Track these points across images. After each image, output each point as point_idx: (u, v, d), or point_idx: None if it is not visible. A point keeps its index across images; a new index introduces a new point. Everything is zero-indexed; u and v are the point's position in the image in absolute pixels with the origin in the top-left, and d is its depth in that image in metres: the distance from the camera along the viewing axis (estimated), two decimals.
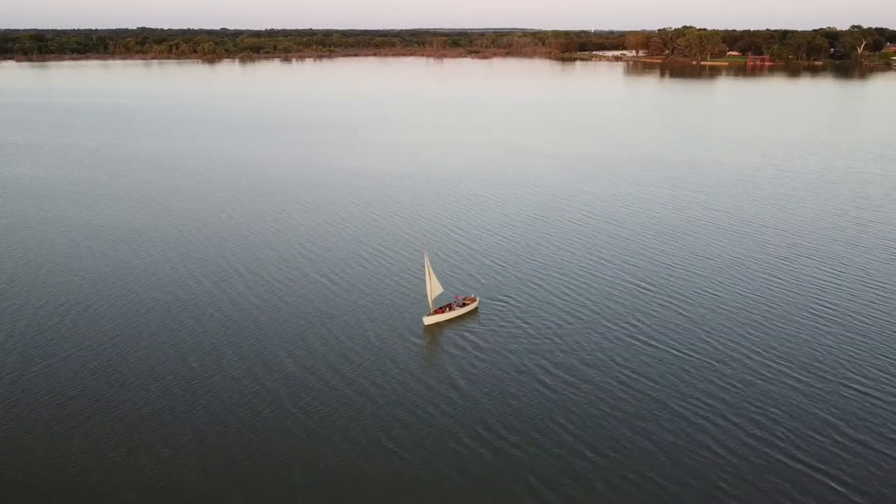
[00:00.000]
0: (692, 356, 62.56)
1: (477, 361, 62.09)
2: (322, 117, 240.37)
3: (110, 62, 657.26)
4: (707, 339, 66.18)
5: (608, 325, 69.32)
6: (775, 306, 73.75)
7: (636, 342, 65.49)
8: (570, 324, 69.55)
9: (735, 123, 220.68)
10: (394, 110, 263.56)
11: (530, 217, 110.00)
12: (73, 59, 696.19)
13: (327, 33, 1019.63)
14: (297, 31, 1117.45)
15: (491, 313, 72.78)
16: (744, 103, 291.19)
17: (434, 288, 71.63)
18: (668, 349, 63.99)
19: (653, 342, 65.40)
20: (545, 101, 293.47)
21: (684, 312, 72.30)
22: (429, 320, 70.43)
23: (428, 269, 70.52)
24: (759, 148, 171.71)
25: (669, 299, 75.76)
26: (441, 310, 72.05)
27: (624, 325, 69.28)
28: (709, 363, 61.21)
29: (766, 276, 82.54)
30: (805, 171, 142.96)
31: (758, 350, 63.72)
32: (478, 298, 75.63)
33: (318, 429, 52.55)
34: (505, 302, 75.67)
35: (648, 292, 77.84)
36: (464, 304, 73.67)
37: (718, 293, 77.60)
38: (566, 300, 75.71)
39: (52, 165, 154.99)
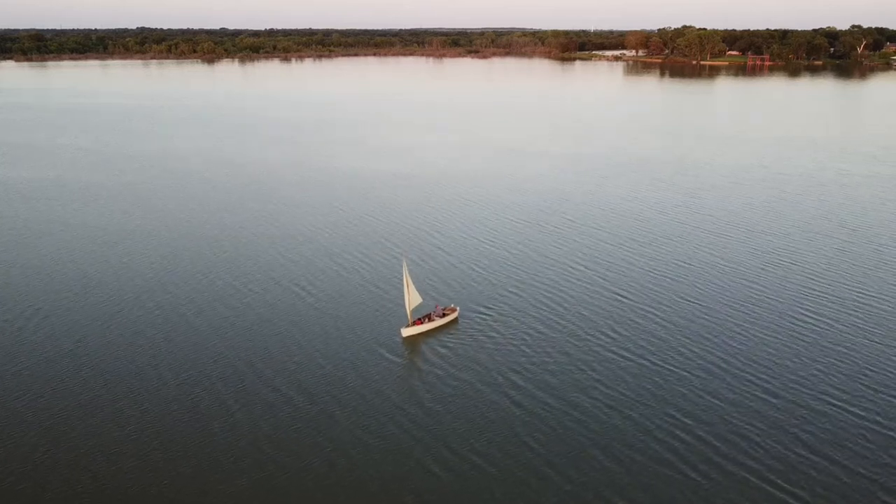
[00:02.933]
0: (671, 369, 61.49)
1: (450, 379, 60.61)
2: (316, 117, 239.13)
3: (109, 62, 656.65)
4: (686, 350, 65.19)
5: (588, 336, 68.18)
6: (758, 315, 72.66)
7: (615, 355, 64.27)
8: (548, 335, 68.41)
9: (731, 123, 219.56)
10: (387, 110, 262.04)
11: (515, 222, 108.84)
12: (73, 59, 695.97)
13: (327, 33, 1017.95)
14: (296, 30, 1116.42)
15: (471, 324, 71.58)
16: (742, 103, 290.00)
17: (412, 298, 70.20)
18: (647, 362, 62.66)
19: (631, 355, 64.20)
20: (542, 101, 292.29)
21: (665, 322, 71.03)
22: (407, 332, 68.95)
23: (406, 278, 68.97)
24: (753, 149, 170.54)
25: (650, 309, 74.44)
26: (420, 321, 70.65)
27: (601, 336, 68.07)
28: (686, 376, 60.14)
29: (750, 284, 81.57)
30: (796, 174, 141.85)
31: (738, 363, 62.65)
32: (458, 309, 74.26)
33: (272, 453, 51.00)
34: (486, 312, 74.49)
35: (628, 301, 76.61)
36: (443, 315, 72.25)
37: (701, 301, 76.56)
38: (547, 309, 74.56)
39: (47, 166, 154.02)
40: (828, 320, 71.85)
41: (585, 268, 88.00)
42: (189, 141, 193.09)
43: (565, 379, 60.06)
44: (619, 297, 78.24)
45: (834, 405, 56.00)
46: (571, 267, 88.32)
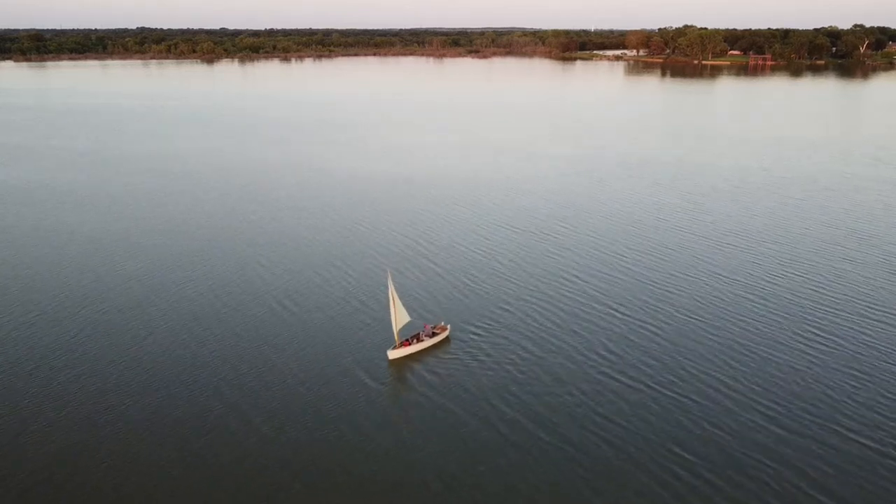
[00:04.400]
0: (669, 395, 57.38)
1: (438, 411, 55.98)
2: (313, 117, 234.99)
3: (109, 62, 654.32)
4: (684, 371, 61.15)
5: (582, 358, 64.10)
6: (762, 333, 68.50)
7: (611, 380, 60.19)
8: (542, 357, 64.13)
9: (732, 124, 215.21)
10: (386, 110, 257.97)
11: (509, 228, 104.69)
12: (72, 59, 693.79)
13: (327, 33, 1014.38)
14: (296, 30, 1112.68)
15: (462, 345, 67.17)
16: (744, 103, 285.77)
17: (399, 316, 65.70)
18: (643, 387, 58.55)
19: (627, 379, 60.06)
20: (542, 102, 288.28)
21: (662, 340, 66.87)
22: (393, 354, 64.14)
23: (392, 294, 64.46)
24: (754, 150, 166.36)
25: (647, 325, 70.31)
26: (408, 342, 65.99)
27: (597, 357, 63.88)
28: (685, 403, 56.02)
29: (753, 298, 77.64)
30: (798, 177, 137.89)
31: (740, 386, 58.66)
32: (448, 327, 69.65)
33: (232, 491, 47.07)
34: (477, 329, 70.24)
35: (625, 316, 72.43)
36: (433, 334, 67.75)
37: (701, 316, 72.42)
38: (540, 327, 70.34)
39: (39, 169, 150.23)
40: (837, 339, 67.92)
41: (580, 279, 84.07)
42: (185, 142, 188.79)
43: (558, 409, 56.04)
44: (616, 312, 74.27)
45: (845, 436, 52.05)
46: (566, 278, 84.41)
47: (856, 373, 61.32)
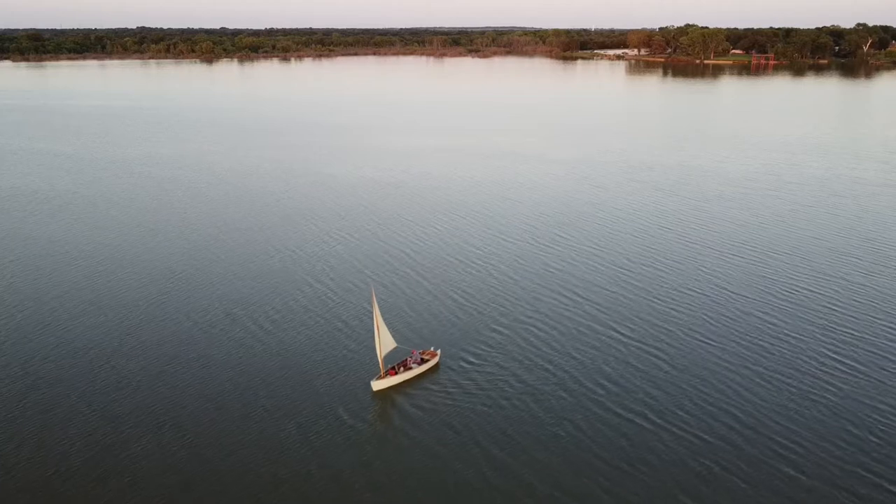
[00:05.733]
0: (675, 432, 52.00)
1: (422, 454, 50.38)
2: (310, 119, 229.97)
3: (107, 62, 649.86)
4: (691, 402, 55.78)
5: (579, 388, 58.75)
6: (775, 359, 63.07)
7: (610, 414, 54.99)
8: (537, 387, 58.62)
9: (737, 125, 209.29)
10: (385, 111, 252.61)
11: (505, 240, 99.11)
12: (70, 59, 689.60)
13: (327, 32, 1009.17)
14: (296, 30, 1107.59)
15: (453, 372, 61.50)
16: (748, 103, 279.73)
17: (385, 342, 59.90)
18: (646, 423, 53.23)
19: (628, 413, 54.74)
20: (542, 102, 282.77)
21: (666, 365, 61.48)
22: (378, 385, 58.45)
23: (377, 316, 58.79)
24: (760, 153, 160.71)
25: (649, 348, 65.17)
26: (394, 370, 60.25)
27: (596, 388, 58.72)
28: (693, 443, 50.57)
29: (764, 318, 72.09)
30: (807, 182, 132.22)
31: (752, 421, 53.21)
32: (439, 352, 63.72)
33: None
34: (469, 355, 64.44)
35: (625, 338, 67.06)
36: (422, 361, 61.93)
37: (708, 339, 67.00)
38: (536, 352, 64.76)
39: (19, 173, 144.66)
40: (858, 364, 62.27)
41: (579, 296, 78.64)
42: (171, 146, 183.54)
43: (553, 450, 50.61)
44: (617, 334, 68.78)
45: (871, 483, 46.94)
46: (564, 295, 78.95)
47: (880, 405, 56.07)
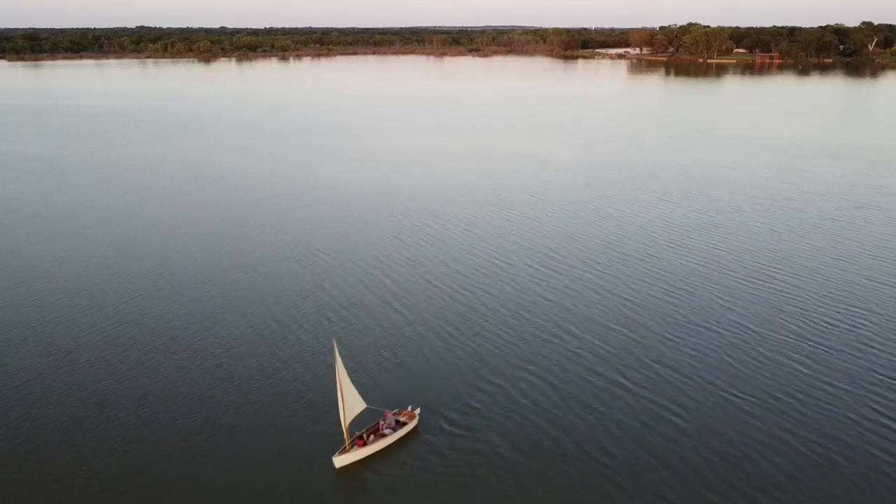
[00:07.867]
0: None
1: None
2: (307, 119, 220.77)
3: (104, 61, 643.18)
4: (713, 474, 47.24)
5: (582, 458, 49.68)
6: (798, 411, 54.37)
7: (616, 488, 46.84)
8: (531, 453, 49.99)
9: (743, 127, 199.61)
10: (384, 111, 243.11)
11: (495, 265, 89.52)
12: (67, 58, 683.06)
13: (326, 32, 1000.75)
14: (295, 29, 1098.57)
15: (433, 439, 51.51)
16: (753, 104, 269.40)
17: (350, 404, 48.76)
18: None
19: (632, 485, 46.57)
20: (540, 102, 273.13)
21: (672, 415, 52.92)
22: (341, 461, 48.13)
23: (340, 374, 47.85)
24: (771, 159, 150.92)
25: (664, 406, 55.97)
26: (362, 439, 49.97)
27: (598, 453, 49.70)
28: None
29: (787, 361, 62.72)
30: (824, 191, 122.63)
31: (790, 497, 45.31)
32: (418, 412, 53.63)
33: None
34: (453, 415, 54.61)
35: (627, 385, 58.32)
36: (397, 425, 52.06)
37: (721, 388, 57.94)
38: (533, 408, 55.66)
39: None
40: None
41: (577, 336, 68.74)
42: (152, 149, 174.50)
43: None
44: (623, 384, 59.57)
45: None
46: (560, 336, 68.56)
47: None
